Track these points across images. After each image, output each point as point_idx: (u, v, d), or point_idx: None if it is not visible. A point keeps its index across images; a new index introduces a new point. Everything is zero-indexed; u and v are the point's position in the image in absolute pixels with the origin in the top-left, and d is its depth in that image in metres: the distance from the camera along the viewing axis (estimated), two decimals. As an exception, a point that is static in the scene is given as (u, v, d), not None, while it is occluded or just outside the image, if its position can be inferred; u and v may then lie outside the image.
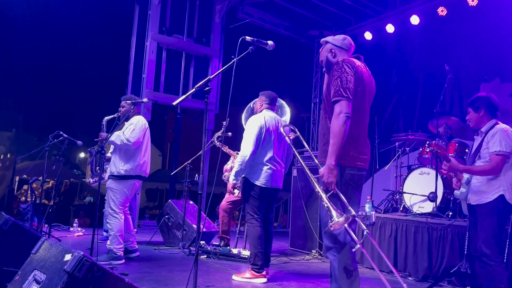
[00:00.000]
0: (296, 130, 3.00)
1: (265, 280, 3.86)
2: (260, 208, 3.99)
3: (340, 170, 2.54)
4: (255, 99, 5.45)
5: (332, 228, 2.32)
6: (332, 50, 2.78)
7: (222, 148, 5.29)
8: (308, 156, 5.56)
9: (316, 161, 2.68)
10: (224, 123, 5.30)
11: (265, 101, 4.24)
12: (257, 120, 4.03)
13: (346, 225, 2.40)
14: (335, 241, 2.53)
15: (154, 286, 3.45)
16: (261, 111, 4.20)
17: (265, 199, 4.03)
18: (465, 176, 3.29)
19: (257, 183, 3.95)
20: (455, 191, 3.38)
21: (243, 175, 4.00)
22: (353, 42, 2.86)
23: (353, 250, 2.46)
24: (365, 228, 2.49)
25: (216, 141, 5.27)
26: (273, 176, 4.00)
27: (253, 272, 3.85)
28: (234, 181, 4.06)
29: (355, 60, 2.68)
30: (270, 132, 4.01)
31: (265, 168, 3.96)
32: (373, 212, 2.34)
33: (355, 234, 2.49)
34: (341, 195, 2.50)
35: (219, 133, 5.46)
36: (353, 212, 2.41)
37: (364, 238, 2.53)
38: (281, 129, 2.92)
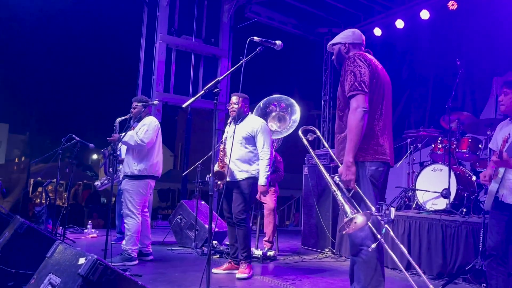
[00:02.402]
0: (316, 131, 2.95)
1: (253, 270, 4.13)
2: None
3: (360, 166, 2.49)
4: (264, 99, 5.45)
5: (348, 229, 2.26)
6: (346, 45, 2.74)
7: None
8: (325, 154, 5.56)
9: (337, 160, 2.62)
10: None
11: (248, 104, 4.32)
12: (267, 125, 4.27)
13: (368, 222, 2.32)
14: (362, 243, 2.44)
15: (168, 287, 3.47)
16: (247, 114, 4.26)
17: None
18: (501, 171, 3.01)
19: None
20: (490, 187, 3.06)
21: (252, 175, 4.06)
22: (361, 33, 2.81)
23: (369, 249, 2.34)
24: (384, 225, 2.34)
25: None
26: None
27: (249, 265, 4.06)
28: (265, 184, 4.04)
29: (366, 54, 2.63)
30: None
31: None
32: (393, 208, 2.29)
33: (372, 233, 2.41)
34: (362, 193, 2.42)
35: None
36: (374, 210, 2.33)
37: (383, 237, 2.43)
38: (299, 132, 2.93)
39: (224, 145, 4.23)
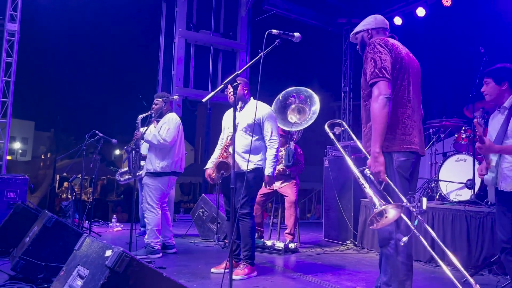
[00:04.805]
0: (343, 123, 2.85)
1: (256, 273, 3.73)
2: None
3: (387, 157, 2.38)
4: (283, 91, 5.44)
5: (377, 224, 2.14)
6: (369, 31, 2.68)
7: None
8: (346, 146, 5.47)
9: (365, 152, 2.53)
10: None
11: (247, 87, 3.91)
12: (273, 111, 4.03)
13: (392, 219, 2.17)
14: (390, 236, 2.37)
15: (191, 279, 3.53)
16: (248, 99, 3.90)
17: None
18: (494, 159, 2.93)
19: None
20: (485, 176, 3.00)
21: (258, 166, 3.77)
22: (384, 18, 2.75)
23: (401, 243, 2.21)
24: (416, 217, 2.20)
25: None
26: None
27: (250, 266, 3.70)
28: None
29: (388, 39, 2.56)
30: None
31: None
32: (424, 199, 2.19)
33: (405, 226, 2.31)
34: (392, 184, 2.31)
35: None
36: (405, 202, 2.21)
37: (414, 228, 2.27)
38: (326, 126, 2.78)
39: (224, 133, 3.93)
